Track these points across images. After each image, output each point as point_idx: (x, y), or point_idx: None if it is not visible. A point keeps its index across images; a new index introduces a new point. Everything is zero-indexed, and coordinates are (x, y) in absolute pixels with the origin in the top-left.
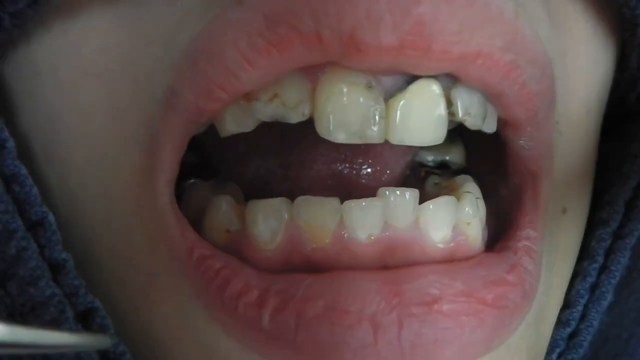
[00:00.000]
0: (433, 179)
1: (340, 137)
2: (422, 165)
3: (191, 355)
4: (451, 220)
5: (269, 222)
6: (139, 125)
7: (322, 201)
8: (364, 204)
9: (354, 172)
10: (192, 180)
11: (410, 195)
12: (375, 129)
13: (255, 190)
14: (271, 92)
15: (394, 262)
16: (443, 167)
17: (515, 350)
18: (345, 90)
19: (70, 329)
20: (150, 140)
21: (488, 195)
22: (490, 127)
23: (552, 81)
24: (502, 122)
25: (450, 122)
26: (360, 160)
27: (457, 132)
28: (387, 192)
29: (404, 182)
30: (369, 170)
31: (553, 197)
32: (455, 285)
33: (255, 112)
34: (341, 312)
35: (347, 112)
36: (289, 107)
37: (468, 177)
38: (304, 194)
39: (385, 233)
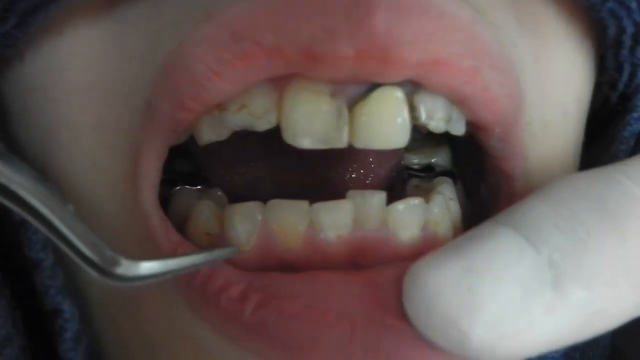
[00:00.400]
0: (414, 182)
1: (306, 143)
2: (408, 168)
3: (180, 350)
4: (419, 220)
5: (244, 225)
6: (123, 136)
7: (292, 204)
8: (332, 205)
9: (340, 177)
10: (178, 187)
11: (377, 197)
12: (338, 134)
13: (243, 196)
14: (240, 103)
15: (365, 262)
16: (429, 170)
17: None
18: (309, 98)
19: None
20: (133, 149)
21: (473, 197)
22: (458, 129)
23: (519, 84)
24: (470, 125)
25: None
26: (346, 165)
27: (444, 135)
28: (355, 194)
29: (389, 185)
30: (354, 175)
31: None
32: None
33: (226, 121)
34: (320, 310)
35: (312, 119)
36: (256, 116)
37: (445, 179)
38: (291, 199)
39: (355, 233)
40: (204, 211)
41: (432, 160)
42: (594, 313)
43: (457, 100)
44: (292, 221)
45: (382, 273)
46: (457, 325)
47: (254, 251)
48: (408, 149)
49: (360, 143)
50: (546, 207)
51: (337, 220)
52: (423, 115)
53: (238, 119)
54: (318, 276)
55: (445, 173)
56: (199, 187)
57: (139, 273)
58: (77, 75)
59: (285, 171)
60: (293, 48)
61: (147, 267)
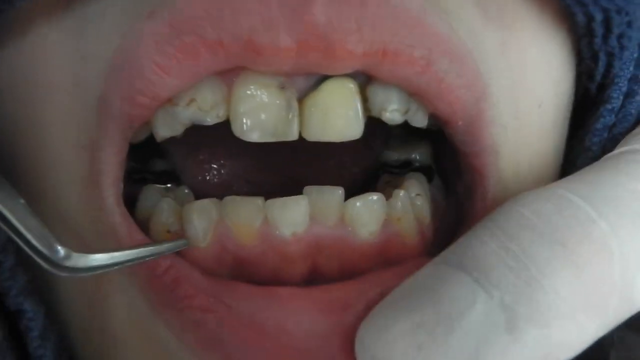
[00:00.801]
0: (385, 178)
1: (254, 137)
2: (386, 165)
3: (138, 349)
4: (379, 216)
5: (200, 222)
6: (83, 132)
7: (246, 200)
8: (286, 201)
9: (314, 173)
10: (146, 185)
11: (334, 192)
12: (288, 127)
13: (217, 194)
14: (189, 97)
15: (324, 261)
16: (408, 167)
17: None
18: (257, 92)
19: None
20: (92, 145)
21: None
22: (419, 122)
23: (480, 75)
24: (433, 118)
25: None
26: (320, 162)
27: (425, 131)
28: (311, 190)
29: (365, 181)
30: (328, 172)
31: (504, 195)
32: None
33: (177, 116)
34: (283, 343)
35: (260, 112)
36: (205, 110)
37: (417, 175)
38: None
39: (311, 231)
40: (164, 209)
41: (412, 157)
42: (552, 348)
43: (412, 92)
44: (246, 218)
45: (352, 304)
46: None
47: (210, 247)
48: (387, 145)
49: (312, 136)
50: (495, 243)
51: (292, 216)
52: (375, 107)
53: (188, 114)
54: (286, 302)
55: (424, 170)
56: (168, 185)
57: (88, 265)
58: (39, 74)
59: (257, 169)
60: (233, 40)
61: (96, 259)
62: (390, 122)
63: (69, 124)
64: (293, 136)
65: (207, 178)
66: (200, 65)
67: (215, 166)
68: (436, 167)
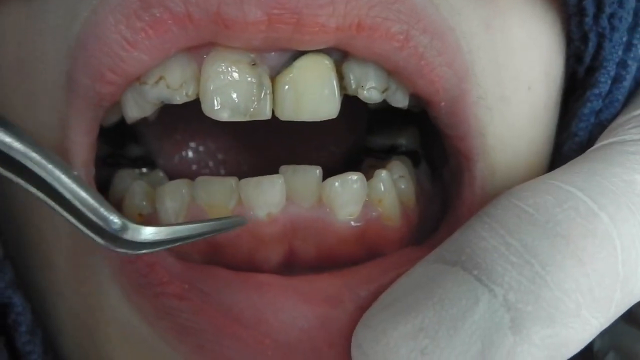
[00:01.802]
0: (369, 162)
1: (225, 116)
2: (370, 150)
3: (109, 335)
4: (359, 197)
5: (172, 203)
6: (51, 110)
7: (219, 181)
8: (261, 181)
9: (295, 156)
10: (121, 169)
11: (311, 172)
12: (260, 106)
13: (192, 177)
14: (157, 75)
15: (301, 244)
16: (394, 152)
17: None
18: (227, 68)
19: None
20: (61, 124)
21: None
22: (399, 101)
23: (462, 53)
24: (414, 98)
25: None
26: (301, 144)
27: (411, 116)
28: (287, 169)
29: (348, 166)
30: (310, 154)
31: (492, 182)
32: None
33: (145, 94)
34: (261, 336)
35: (230, 90)
36: (173, 88)
37: (401, 157)
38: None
39: (287, 212)
40: (136, 191)
41: (397, 142)
42: (558, 346)
43: (390, 69)
44: (219, 198)
45: (341, 299)
46: None
47: None
48: (373, 131)
49: (286, 115)
50: (494, 239)
51: (267, 197)
52: (352, 84)
53: (156, 92)
54: (265, 289)
55: (410, 155)
56: (143, 169)
57: (147, 239)
58: (9, 52)
59: (235, 151)
60: (202, 14)
61: (155, 232)
62: (368, 101)
63: (36, 103)
64: (265, 115)
65: (182, 160)
66: (169, 40)
67: (191, 147)
68: (424, 154)
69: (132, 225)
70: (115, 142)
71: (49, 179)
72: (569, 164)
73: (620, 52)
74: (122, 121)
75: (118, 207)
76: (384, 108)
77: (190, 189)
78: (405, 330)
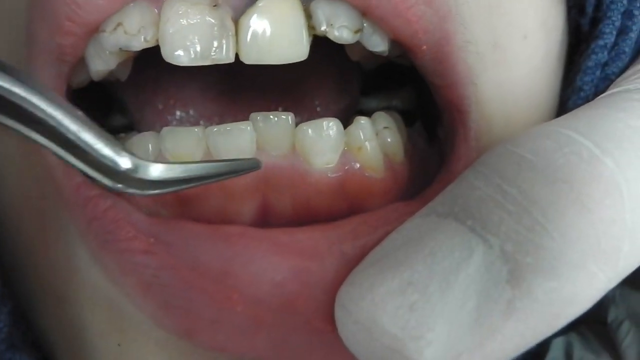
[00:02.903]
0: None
1: (185, 60)
2: (364, 112)
3: (78, 299)
4: (335, 144)
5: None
6: None
7: (186, 131)
8: (228, 128)
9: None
10: None
11: (283, 118)
12: (221, 49)
13: None
14: (115, 22)
15: (275, 197)
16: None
17: None
18: (187, 11)
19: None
20: None
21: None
22: (376, 45)
23: None
24: (395, 44)
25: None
26: (291, 106)
27: (406, 77)
28: (256, 116)
29: None
30: (300, 114)
31: (489, 135)
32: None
33: (103, 43)
34: (229, 290)
35: (190, 33)
36: (131, 34)
37: (392, 113)
38: None
39: None
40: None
41: (392, 103)
42: (563, 302)
43: (362, 8)
44: (185, 149)
45: (322, 253)
46: (404, 354)
47: None
48: (366, 92)
49: (250, 58)
50: (490, 187)
51: (236, 145)
52: (322, 23)
53: (113, 39)
54: (234, 240)
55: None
56: (122, 134)
57: (159, 176)
58: None
59: (222, 115)
60: None
61: (167, 170)
62: (338, 41)
63: None
64: (228, 59)
65: (160, 114)
66: None
67: (174, 114)
68: (422, 115)
69: (141, 163)
70: (99, 114)
71: (51, 121)
72: (572, 111)
73: (625, 2)
74: (105, 91)
75: None
76: (380, 68)
77: (157, 141)
78: (393, 285)
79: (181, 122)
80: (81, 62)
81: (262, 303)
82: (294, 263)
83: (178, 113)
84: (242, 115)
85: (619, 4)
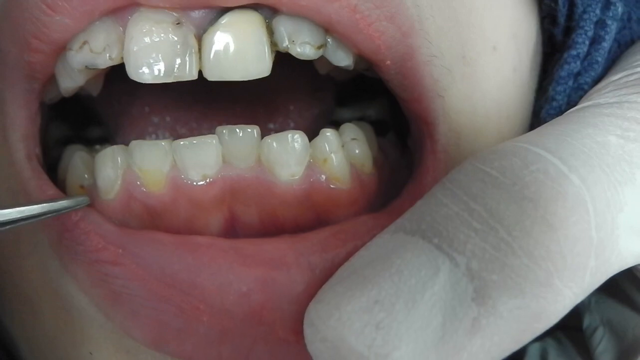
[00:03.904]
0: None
1: (149, 78)
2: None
3: (50, 310)
4: (300, 156)
5: (107, 171)
6: None
7: (153, 144)
8: (195, 142)
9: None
10: (69, 145)
11: (249, 132)
12: (184, 66)
13: None
14: (81, 40)
15: (242, 209)
16: None
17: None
18: (151, 29)
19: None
20: None
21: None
22: (341, 60)
23: (405, 7)
24: (361, 59)
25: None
26: (264, 118)
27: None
28: (222, 130)
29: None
30: (272, 125)
31: (457, 147)
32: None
33: (71, 61)
34: (192, 302)
35: (153, 51)
36: (96, 52)
37: (361, 123)
38: None
39: (224, 173)
40: (77, 163)
41: (366, 114)
42: (529, 319)
43: (324, 24)
44: (152, 162)
45: (289, 263)
46: None
47: (119, 197)
48: (341, 103)
49: (213, 75)
50: (457, 205)
51: (201, 158)
52: (284, 39)
53: (80, 57)
54: (202, 251)
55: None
56: (97, 146)
57: None
58: None
59: (199, 123)
60: None
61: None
62: (300, 57)
63: None
64: (191, 76)
65: (135, 124)
66: (89, 3)
67: (150, 124)
68: (396, 126)
69: None
70: (77, 126)
71: None
72: (540, 127)
73: (598, 11)
74: (82, 103)
75: (64, 181)
76: (354, 79)
77: (126, 154)
78: (360, 303)
79: (156, 132)
80: (52, 79)
81: (228, 313)
82: (260, 273)
83: (153, 123)
84: (216, 123)
85: (591, 14)
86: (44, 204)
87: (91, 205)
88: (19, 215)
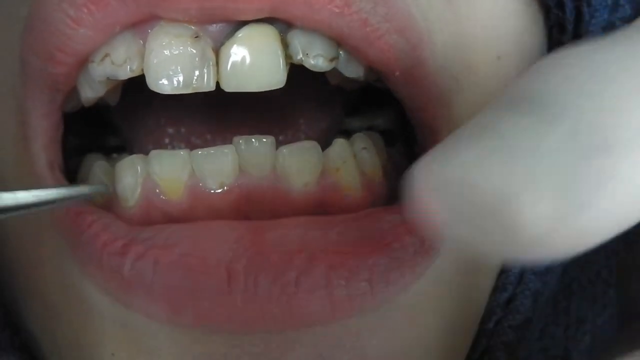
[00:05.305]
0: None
1: (168, 89)
2: (348, 132)
3: (72, 313)
4: (313, 165)
5: (127, 179)
6: (10, 97)
7: (172, 154)
8: (212, 151)
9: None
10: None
11: (264, 141)
12: (202, 77)
13: None
14: (103, 52)
15: (257, 215)
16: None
17: (410, 308)
18: (170, 42)
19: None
20: (20, 110)
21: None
22: (353, 72)
23: (414, 19)
24: (372, 70)
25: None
26: (276, 129)
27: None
28: (239, 140)
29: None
30: (283, 136)
31: None
32: (324, 236)
33: (92, 73)
34: (196, 258)
35: (173, 63)
36: (117, 64)
37: (372, 134)
38: None
39: (240, 182)
40: (96, 172)
41: (375, 123)
42: None
43: (336, 37)
44: (172, 171)
45: (273, 222)
46: (508, 206)
47: (138, 205)
48: (349, 112)
49: (230, 86)
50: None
51: (219, 167)
52: (298, 52)
53: (101, 69)
54: (202, 225)
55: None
56: (114, 154)
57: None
58: None
59: (213, 137)
60: None
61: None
62: (314, 69)
63: None
64: (209, 87)
65: (151, 135)
66: (110, 15)
67: (166, 134)
68: (404, 135)
69: None
70: (95, 135)
71: None
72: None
73: (605, 15)
74: (101, 113)
75: None
76: (364, 89)
77: (145, 163)
78: (479, 150)
79: (172, 143)
80: (73, 89)
81: (227, 263)
82: (246, 226)
83: (168, 134)
84: (229, 134)
85: (599, 18)
86: (61, 189)
87: (109, 210)
88: (34, 199)
